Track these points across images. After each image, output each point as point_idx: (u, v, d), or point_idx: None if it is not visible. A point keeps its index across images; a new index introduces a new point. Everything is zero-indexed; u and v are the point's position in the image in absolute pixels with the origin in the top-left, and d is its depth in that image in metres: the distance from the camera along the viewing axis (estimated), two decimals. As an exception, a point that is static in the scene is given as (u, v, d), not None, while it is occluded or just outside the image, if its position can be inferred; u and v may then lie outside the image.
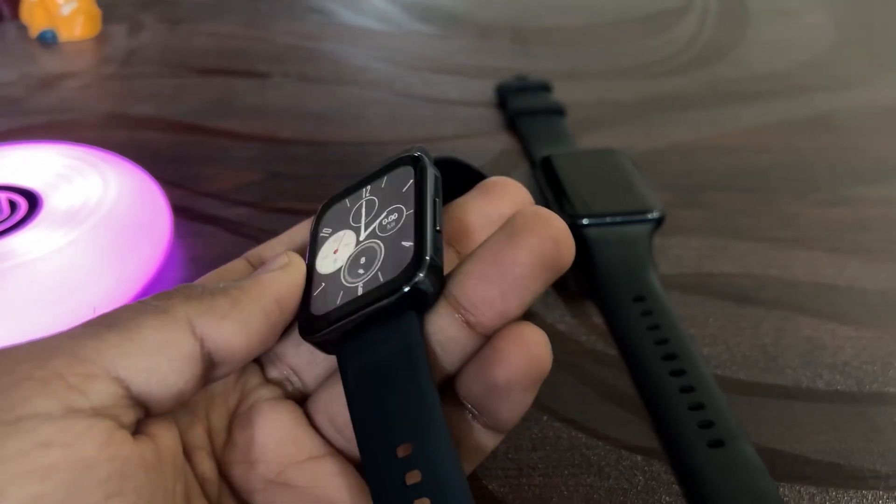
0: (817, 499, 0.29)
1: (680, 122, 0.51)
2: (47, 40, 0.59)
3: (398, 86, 0.55)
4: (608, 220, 0.38)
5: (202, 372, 0.20)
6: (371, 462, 0.20)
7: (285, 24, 0.63)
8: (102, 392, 0.17)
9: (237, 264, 0.25)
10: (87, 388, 0.17)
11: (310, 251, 0.25)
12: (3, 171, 0.39)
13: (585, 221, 0.37)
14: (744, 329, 0.36)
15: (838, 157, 0.49)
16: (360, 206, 0.24)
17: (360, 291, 0.22)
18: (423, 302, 0.21)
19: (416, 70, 0.57)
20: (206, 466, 0.21)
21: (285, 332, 0.24)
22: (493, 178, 0.25)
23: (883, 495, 0.29)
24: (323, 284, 0.23)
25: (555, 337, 0.35)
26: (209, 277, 0.24)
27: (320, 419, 0.23)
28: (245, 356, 0.21)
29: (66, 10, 0.58)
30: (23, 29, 0.60)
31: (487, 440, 0.22)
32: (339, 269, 0.23)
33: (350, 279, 0.22)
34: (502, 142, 0.49)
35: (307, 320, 0.22)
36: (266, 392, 0.23)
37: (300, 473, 0.21)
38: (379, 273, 0.22)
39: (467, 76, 0.56)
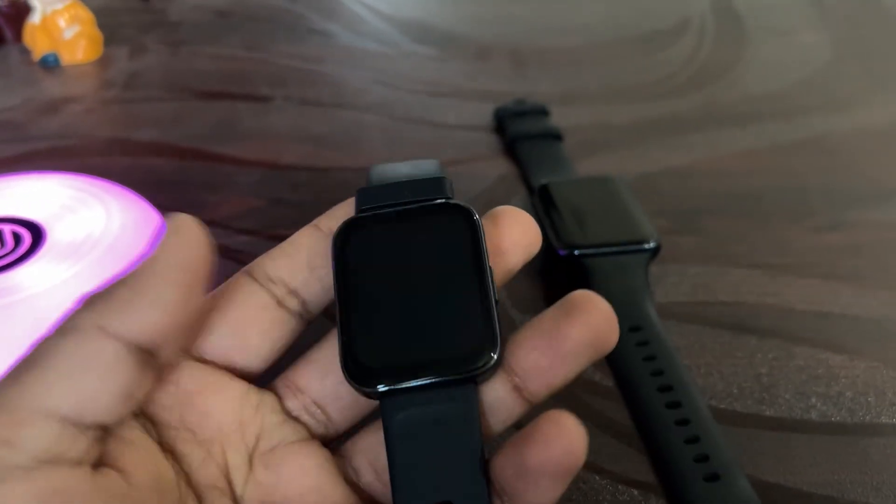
0: (811, 532, 0.29)
1: (676, 146, 0.52)
2: (49, 64, 0.59)
3: (397, 109, 0.55)
4: (605, 249, 0.38)
5: (141, 366, 0.19)
6: None
7: (286, 46, 0.63)
8: (37, 436, 0.17)
9: (242, 284, 0.24)
10: (19, 439, 0.17)
11: (340, 280, 0.23)
12: (6, 202, 0.40)
13: (582, 251, 0.38)
14: (739, 359, 0.36)
15: (833, 180, 0.49)
16: (404, 245, 0.23)
17: (421, 355, 0.21)
18: (487, 378, 0.22)
19: (415, 93, 0.57)
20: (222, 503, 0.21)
21: (306, 361, 0.24)
22: (499, 209, 0.25)
23: (876, 528, 0.29)
24: (369, 329, 0.22)
25: (552, 368, 0.35)
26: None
27: (359, 461, 0.23)
28: (179, 329, 0.20)
29: (69, 34, 0.59)
30: (26, 52, 0.61)
31: None
32: (391, 317, 0.22)
33: (406, 335, 0.22)
34: (501, 167, 0.49)
35: (357, 368, 0.22)
36: (290, 432, 0.23)
37: None
38: (443, 341, 0.22)
39: (465, 99, 0.57)
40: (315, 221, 0.25)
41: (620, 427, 0.33)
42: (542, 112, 0.53)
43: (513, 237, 0.24)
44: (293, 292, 0.24)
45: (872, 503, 0.30)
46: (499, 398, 0.22)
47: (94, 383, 0.18)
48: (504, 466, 0.21)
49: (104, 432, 0.19)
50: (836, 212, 0.46)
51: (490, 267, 0.23)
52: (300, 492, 0.22)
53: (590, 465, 0.31)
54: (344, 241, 0.23)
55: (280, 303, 0.24)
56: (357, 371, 0.22)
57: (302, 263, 0.24)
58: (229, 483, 0.22)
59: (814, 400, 0.34)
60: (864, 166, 0.51)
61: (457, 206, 0.24)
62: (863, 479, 0.31)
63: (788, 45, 0.66)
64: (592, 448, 0.31)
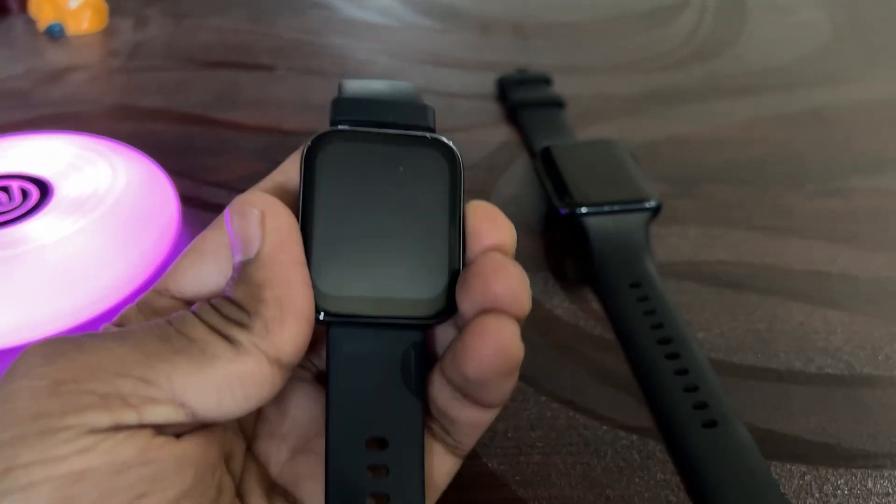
0: (808, 477, 0.30)
1: (677, 116, 0.52)
2: (55, 34, 0.60)
3: (400, 78, 0.56)
4: (606, 208, 0.38)
5: (284, 381, 0.20)
6: (338, 445, 0.21)
7: (289, 19, 0.64)
8: (161, 414, 0.18)
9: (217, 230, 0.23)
10: (145, 409, 0.18)
11: (306, 194, 0.21)
12: (15, 159, 0.40)
13: (584, 210, 0.38)
14: (738, 315, 0.37)
15: (831, 150, 0.49)
16: (379, 172, 0.22)
17: (380, 292, 0.21)
18: (440, 324, 0.22)
19: (418, 64, 0.58)
20: (233, 444, 0.22)
21: None
22: (475, 205, 0.23)
23: (872, 474, 0.30)
24: (331, 253, 0.21)
25: (553, 322, 0.36)
26: (195, 249, 0.23)
27: None
28: (312, 332, 0.20)
29: (74, 4, 0.59)
30: (31, 23, 0.61)
31: (482, 415, 0.22)
32: (353, 244, 0.21)
33: (371, 266, 0.21)
34: (503, 133, 0.50)
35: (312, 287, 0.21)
36: (295, 374, 0.23)
37: (323, 441, 0.22)
38: (405, 282, 0.21)
39: (468, 70, 0.57)
40: (302, 147, 0.24)
41: (621, 378, 0.33)
42: (545, 81, 0.53)
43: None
44: None
45: (868, 449, 0.31)
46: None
47: (232, 399, 0.19)
48: (451, 374, 0.21)
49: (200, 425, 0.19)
50: (834, 179, 0.47)
51: (463, 218, 0.22)
52: (306, 419, 0.23)
53: (590, 412, 0.32)
54: (315, 155, 0.22)
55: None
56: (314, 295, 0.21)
57: (287, 190, 0.23)
58: (241, 424, 0.23)
59: (812, 353, 0.35)
60: (861, 138, 0.51)
61: (443, 144, 0.22)
62: (858, 428, 0.31)
63: (788, 22, 0.66)
64: (593, 397, 0.32)
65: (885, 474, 0.30)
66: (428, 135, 0.23)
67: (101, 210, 0.37)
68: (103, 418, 0.17)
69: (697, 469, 0.29)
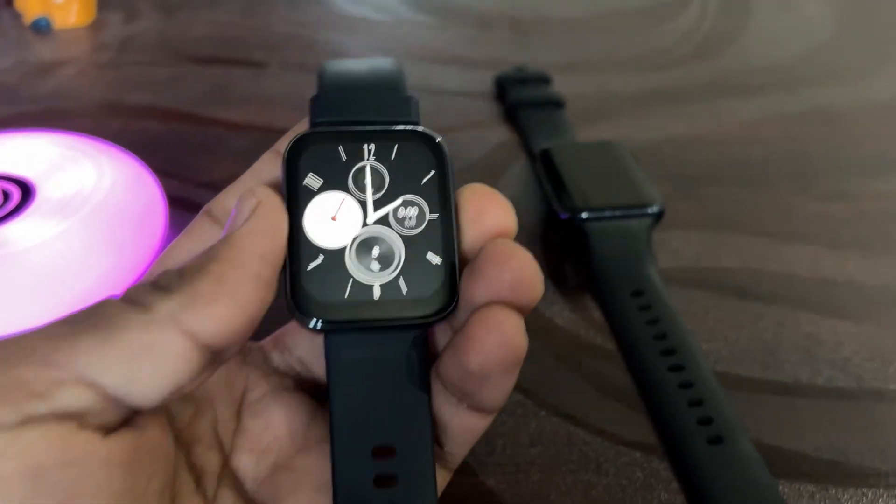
0: (817, 497, 0.28)
1: (678, 115, 0.51)
2: (42, 28, 0.58)
3: (396, 76, 0.54)
4: (608, 213, 0.37)
5: (202, 364, 0.18)
6: (344, 456, 0.20)
7: (283, 13, 0.62)
8: (70, 397, 0.16)
9: (202, 224, 0.23)
10: (52, 394, 0.16)
11: (291, 198, 0.21)
12: (-4, 160, 0.39)
13: (585, 215, 0.37)
14: (743, 324, 0.35)
15: (837, 151, 0.48)
16: (363, 170, 0.21)
17: (376, 295, 0.20)
18: (439, 322, 0.21)
19: (414, 60, 0.56)
20: (206, 458, 0.21)
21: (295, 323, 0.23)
22: (469, 186, 0.22)
23: (883, 493, 0.29)
24: (321, 258, 0.20)
25: (553, 331, 0.35)
26: (177, 246, 0.22)
27: None
28: (249, 329, 0.19)
29: (61, -3, 0.58)
30: (17, 16, 0.60)
31: (476, 422, 0.21)
32: (344, 248, 0.20)
33: (362, 271, 0.20)
34: (501, 133, 0.48)
35: (304, 298, 0.20)
36: (276, 383, 0.23)
37: (306, 458, 0.22)
38: (401, 282, 0.20)
39: (466, 67, 0.56)
40: (275, 145, 0.23)
41: (622, 390, 0.32)
42: (544, 79, 0.52)
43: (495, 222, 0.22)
44: None
45: (878, 467, 0.30)
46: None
47: (152, 374, 0.17)
48: (449, 371, 0.20)
49: (133, 413, 0.18)
50: (839, 181, 0.45)
51: (456, 214, 0.21)
52: (288, 433, 0.22)
53: (591, 427, 0.31)
54: (296, 147, 0.21)
55: None
56: (302, 303, 0.20)
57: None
58: (218, 437, 0.22)
59: (819, 365, 0.34)
60: (866, 138, 0.50)
61: (428, 137, 0.22)
62: (868, 444, 0.30)
63: (792, 18, 0.65)
64: (595, 411, 0.31)
65: (897, 494, 0.29)
66: (410, 128, 0.22)
67: (85, 212, 0.36)
68: (9, 413, 0.16)
69: (702, 488, 0.28)
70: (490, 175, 0.44)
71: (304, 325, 0.20)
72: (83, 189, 0.37)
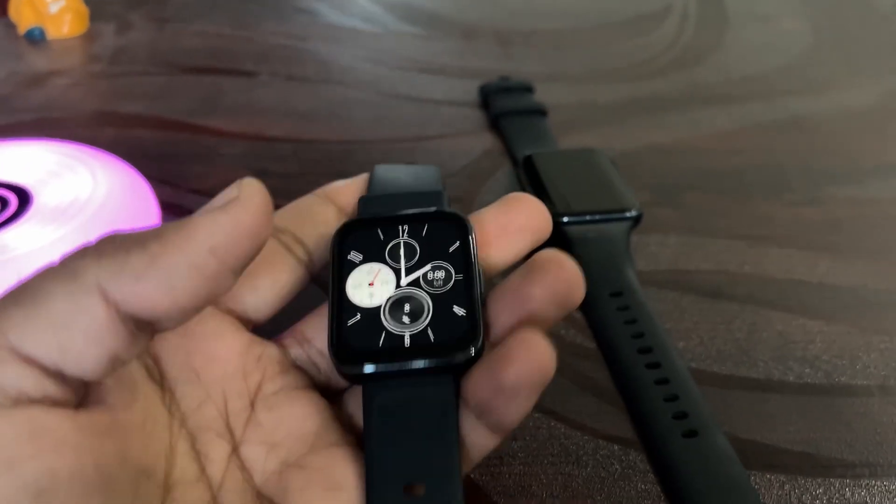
0: (787, 487, 0.30)
1: (658, 125, 0.53)
2: (35, 38, 0.59)
3: (383, 86, 0.56)
4: (588, 217, 0.39)
5: (130, 335, 0.18)
6: (378, 494, 0.21)
7: (273, 25, 0.64)
8: (14, 377, 0.17)
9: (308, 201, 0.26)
10: None
11: (335, 270, 0.24)
12: (-7, 167, 0.40)
13: (566, 219, 0.38)
14: (718, 324, 0.37)
15: (811, 159, 0.50)
16: (398, 245, 0.24)
17: (406, 342, 0.22)
18: (467, 369, 0.22)
19: (401, 70, 0.58)
20: (213, 446, 0.21)
21: (315, 315, 0.25)
22: (512, 194, 0.26)
23: (850, 483, 0.30)
24: (359, 316, 0.23)
25: (535, 331, 0.36)
26: None
27: (353, 408, 0.24)
28: (180, 315, 0.19)
29: (54, 8, 0.59)
30: (11, 27, 0.61)
31: (488, 440, 0.23)
32: (379, 306, 0.23)
33: (394, 323, 0.23)
34: (485, 141, 0.50)
35: (343, 350, 0.22)
36: (292, 380, 0.23)
37: (317, 458, 0.22)
38: (429, 331, 0.22)
39: (451, 77, 0.57)
40: (317, 191, 0.26)
41: (602, 387, 0.33)
42: (527, 89, 0.53)
43: (519, 221, 0.25)
44: (300, 241, 0.25)
45: (846, 458, 0.31)
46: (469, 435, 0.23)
47: (80, 343, 0.17)
48: (480, 386, 0.21)
49: (85, 385, 0.18)
50: (814, 188, 0.47)
51: (479, 266, 0.24)
52: (301, 431, 0.22)
53: (571, 422, 0.32)
54: (343, 231, 0.25)
55: (288, 248, 0.24)
56: (343, 355, 0.22)
57: (306, 217, 0.25)
58: (228, 426, 0.22)
59: (790, 363, 0.35)
60: (841, 146, 0.51)
61: (454, 216, 0.25)
62: (837, 437, 0.32)
63: (769, 31, 0.67)
64: (575, 406, 0.32)
65: (863, 483, 0.30)
66: (436, 209, 0.25)
67: (81, 218, 0.37)
68: None
69: (678, 479, 0.29)
70: (475, 181, 0.46)
71: (346, 377, 0.23)
72: (79, 196, 0.38)
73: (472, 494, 0.29)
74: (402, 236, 0.25)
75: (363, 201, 0.26)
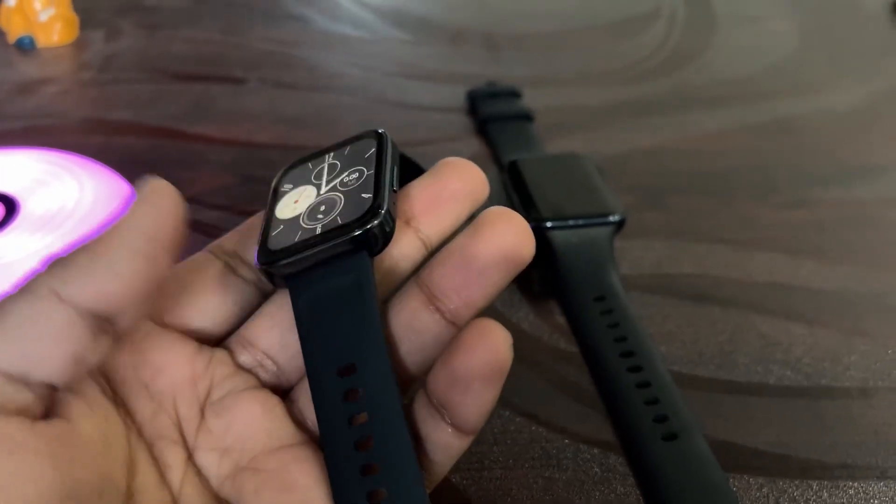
0: (765, 489, 0.30)
1: (644, 127, 0.53)
2: (25, 46, 0.59)
3: (372, 91, 0.56)
4: (571, 222, 0.39)
5: (93, 333, 0.19)
6: (316, 381, 0.22)
7: (262, 31, 0.64)
8: None
9: (200, 257, 0.25)
10: None
11: (270, 203, 0.26)
12: (-20, 176, 0.40)
13: (549, 224, 0.39)
14: (701, 327, 0.37)
15: (797, 160, 0.50)
16: (323, 168, 0.26)
17: (318, 231, 0.23)
18: (375, 244, 0.23)
19: (390, 76, 0.58)
20: (170, 453, 0.22)
21: (255, 317, 0.25)
22: (445, 160, 0.26)
23: (828, 485, 0.30)
24: (281, 227, 0.24)
25: (518, 335, 0.36)
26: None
27: (304, 403, 0.24)
28: (134, 299, 0.20)
29: (44, 16, 0.59)
30: (1, 35, 0.61)
31: (454, 440, 0.23)
32: (299, 214, 0.25)
33: (309, 222, 0.24)
34: (473, 146, 0.50)
35: (264, 253, 0.24)
36: (240, 382, 0.24)
37: (270, 459, 0.22)
38: (338, 217, 0.23)
39: (439, 82, 0.57)
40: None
41: (583, 391, 0.34)
42: (514, 94, 0.54)
43: (453, 187, 0.25)
44: (248, 264, 0.25)
45: (825, 461, 0.31)
46: (421, 321, 0.23)
47: (41, 345, 0.18)
48: (437, 378, 0.22)
49: (53, 390, 0.19)
50: (799, 190, 0.47)
51: (395, 167, 0.25)
52: (250, 433, 0.23)
53: (553, 426, 0.32)
54: (282, 173, 0.28)
55: (234, 270, 0.25)
56: (263, 258, 0.24)
57: (253, 237, 0.25)
58: (181, 434, 0.23)
59: (772, 365, 0.35)
60: (826, 148, 0.52)
61: (372, 131, 0.26)
62: (816, 440, 0.32)
63: (757, 32, 0.67)
64: (556, 410, 0.33)
65: (841, 485, 0.30)
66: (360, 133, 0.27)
67: (68, 226, 0.37)
68: None
69: (657, 482, 0.29)
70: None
71: (266, 273, 0.24)
72: (66, 204, 0.38)
73: (453, 499, 0.29)
74: (328, 160, 0.27)
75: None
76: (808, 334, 0.37)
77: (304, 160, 0.27)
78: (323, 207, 0.24)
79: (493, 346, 0.21)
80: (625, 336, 0.35)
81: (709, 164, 0.50)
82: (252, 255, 0.25)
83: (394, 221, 0.23)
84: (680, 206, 0.45)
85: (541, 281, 0.39)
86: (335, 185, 0.25)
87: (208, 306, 0.24)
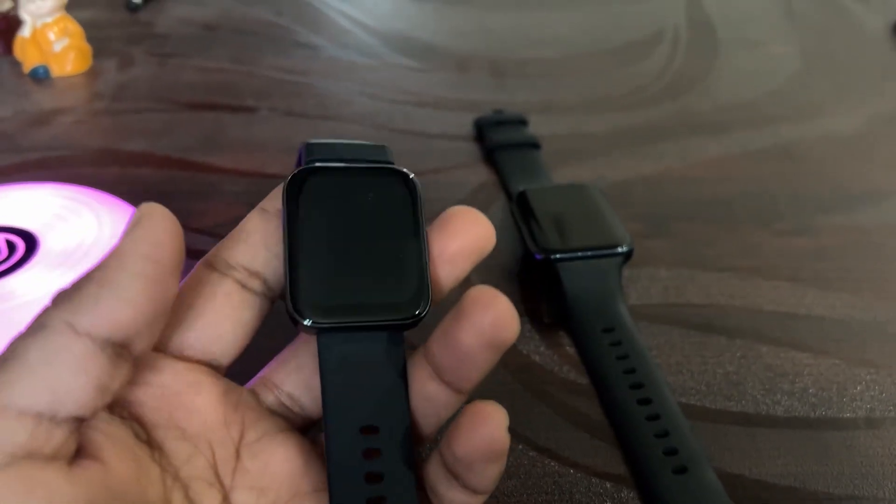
0: (774, 520, 0.31)
1: (648, 154, 0.54)
2: (40, 76, 0.60)
3: (380, 119, 0.57)
4: (580, 254, 0.40)
5: (112, 360, 0.19)
6: (336, 433, 0.23)
7: (272, 59, 0.65)
8: (10, 432, 0.18)
9: (205, 276, 0.25)
10: None
11: (289, 223, 0.24)
12: (1, 212, 0.41)
13: (558, 256, 0.39)
14: (708, 358, 0.38)
15: (800, 186, 0.51)
16: (351, 200, 0.25)
17: (358, 298, 0.24)
18: (415, 326, 0.24)
19: (398, 104, 0.59)
20: (206, 495, 0.22)
21: (278, 362, 0.26)
22: (453, 210, 0.25)
23: (835, 516, 0.31)
24: (312, 268, 0.24)
25: (530, 368, 0.37)
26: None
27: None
28: (146, 323, 0.20)
29: (58, 46, 0.60)
30: (16, 65, 0.62)
31: (468, 499, 0.23)
32: (333, 261, 0.24)
33: (346, 279, 0.24)
34: (481, 175, 0.51)
35: (297, 301, 0.23)
36: (271, 425, 0.24)
37: (307, 501, 0.23)
38: (380, 288, 0.24)
39: (446, 109, 0.58)
40: (260, 204, 0.26)
41: (595, 423, 0.34)
42: (521, 122, 0.54)
43: (456, 244, 0.25)
44: (254, 274, 0.25)
45: (832, 492, 0.32)
46: (430, 390, 0.24)
47: (66, 379, 0.19)
48: (445, 453, 0.23)
49: (80, 424, 0.19)
50: (802, 217, 0.48)
51: (425, 229, 0.25)
52: (287, 474, 0.24)
53: (565, 460, 0.33)
54: (293, 183, 0.25)
55: (244, 286, 0.25)
56: (296, 306, 0.23)
57: (257, 245, 0.25)
58: (217, 474, 0.23)
59: (779, 396, 0.36)
60: (829, 173, 0.53)
61: (399, 171, 0.26)
62: (823, 471, 0.33)
63: (759, 56, 0.68)
64: (569, 443, 0.33)
65: (848, 517, 0.31)
66: (389, 166, 0.26)
67: (87, 262, 0.38)
68: None
69: (668, 515, 0.30)
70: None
71: (302, 328, 0.24)
72: (84, 240, 0.39)
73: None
74: (356, 191, 0.25)
75: (309, 146, 0.26)
76: (814, 364, 0.38)
77: (321, 173, 0.25)
78: (360, 264, 0.24)
79: (488, 433, 0.22)
80: (634, 368, 0.36)
81: (712, 190, 0.50)
82: (257, 262, 0.25)
83: (431, 303, 0.24)
84: (684, 234, 0.46)
85: (551, 312, 0.40)
86: (371, 238, 0.24)
87: (226, 331, 0.25)
